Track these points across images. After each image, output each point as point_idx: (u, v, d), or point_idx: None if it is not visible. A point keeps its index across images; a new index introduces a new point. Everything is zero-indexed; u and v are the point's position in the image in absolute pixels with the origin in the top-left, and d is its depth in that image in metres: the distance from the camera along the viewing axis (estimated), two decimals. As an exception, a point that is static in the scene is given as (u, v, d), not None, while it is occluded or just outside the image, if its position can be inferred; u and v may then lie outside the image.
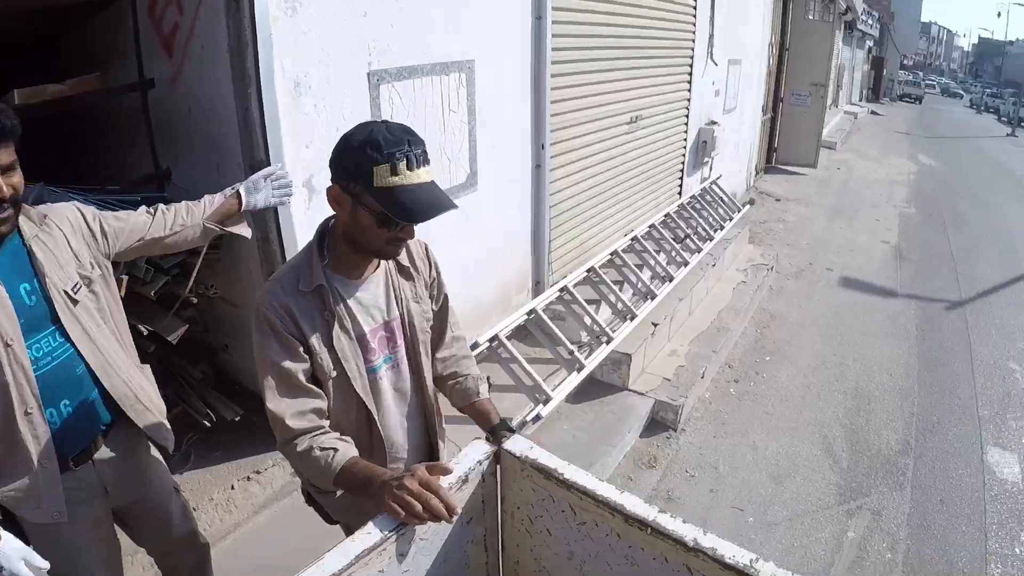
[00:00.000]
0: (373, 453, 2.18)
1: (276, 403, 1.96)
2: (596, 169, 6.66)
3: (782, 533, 4.72)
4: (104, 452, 2.42)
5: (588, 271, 5.96)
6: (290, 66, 3.60)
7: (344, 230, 2.01)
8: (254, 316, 1.99)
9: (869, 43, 42.90)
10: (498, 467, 2.09)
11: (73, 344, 2.25)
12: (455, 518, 1.80)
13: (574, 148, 6.20)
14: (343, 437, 2.03)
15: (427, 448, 2.43)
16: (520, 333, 5.45)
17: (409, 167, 1.82)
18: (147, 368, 2.63)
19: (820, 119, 15.89)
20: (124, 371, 2.41)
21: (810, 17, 15.30)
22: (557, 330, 5.28)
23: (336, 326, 2.01)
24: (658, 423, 5.62)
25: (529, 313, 5.27)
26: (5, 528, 2.01)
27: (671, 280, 6.60)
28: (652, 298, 6.20)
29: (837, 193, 14.87)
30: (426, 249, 2.33)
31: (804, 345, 7.38)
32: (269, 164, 3.42)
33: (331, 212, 1.99)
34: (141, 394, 2.46)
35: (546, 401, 4.83)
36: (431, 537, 1.90)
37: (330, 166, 1.92)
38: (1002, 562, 4.65)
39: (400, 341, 2.20)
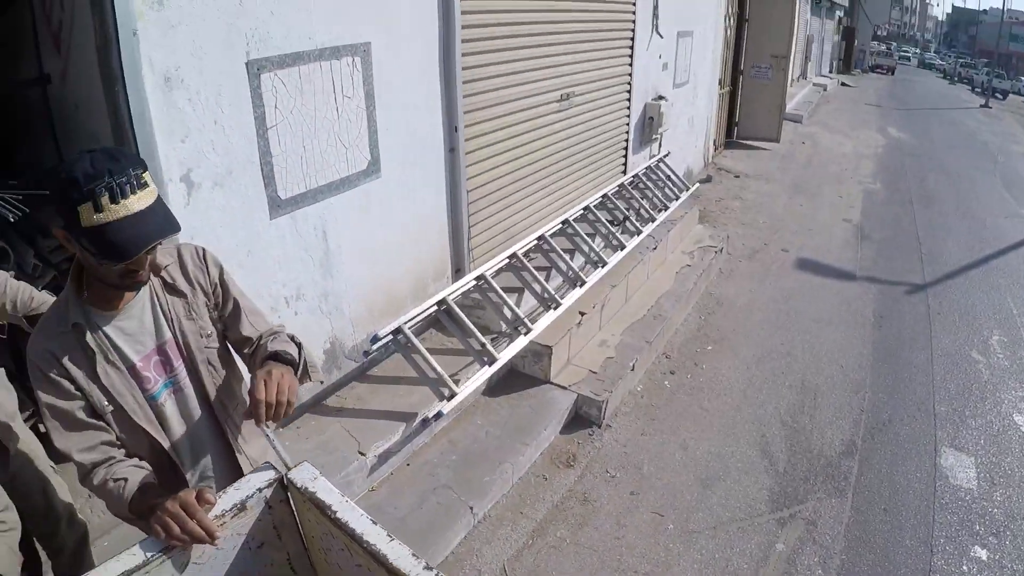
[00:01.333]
0: (173, 477, 2.18)
1: (63, 441, 1.99)
2: (522, 151, 6.39)
3: (703, 542, 4.52)
4: None
5: (510, 258, 5.74)
6: (160, 60, 3.44)
7: (84, 265, 2.00)
8: (27, 362, 2.01)
9: (839, 13, 42.58)
10: (288, 494, 2.09)
11: None
12: (219, 541, 1.85)
13: (494, 129, 5.93)
14: (140, 463, 2.07)
15: (231, 461, 2.37)
16: (441, 324, 5.32)
17: (113, 199, 1.76)
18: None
19: (782, 92, 15.57)
20: None
21: (770, -15, 14.98)
22: (468, 321, 5.08)
23: (100, 361, 2.01)
24: (582, 418, 5.42)
25: (440, 303, 5.06)
26: None
27: (604, 265, 6.36)
28: (580, 285, 5.97)
29: (800, 169, 14.66)
30: (203, 255, 2.27)
31: (750, 333, 7.16)
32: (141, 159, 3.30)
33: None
34: None
35: (451, 396, 4.63)
36: (209, 561, 1.94)
37: None
38: None
39: (178, 363, 2.18)
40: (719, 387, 6.14)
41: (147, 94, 3.39)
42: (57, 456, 2.70)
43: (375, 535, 1.80)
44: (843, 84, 36.57)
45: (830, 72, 40.58)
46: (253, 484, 2.01)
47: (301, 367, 2.24)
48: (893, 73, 52.07)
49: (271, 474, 2.05)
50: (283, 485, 2.06)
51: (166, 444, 2.15)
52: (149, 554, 1.79)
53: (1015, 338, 7.46)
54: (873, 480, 5.16)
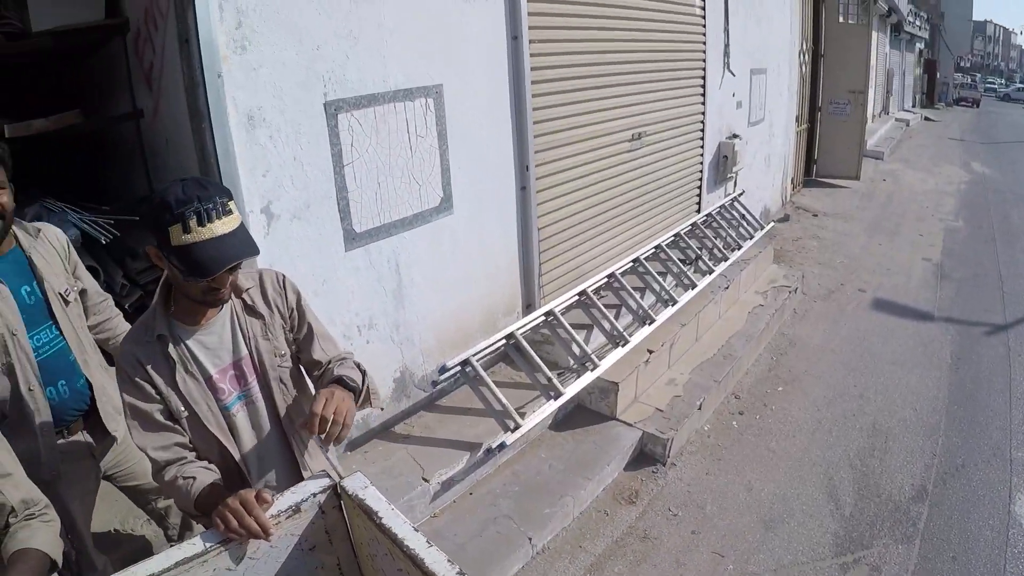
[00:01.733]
0: (239, 482, 2.32)
1: (140, 438, 2.19)
2: (593, 189, 6.44)
3: None
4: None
5: (580, 295, 5.78)
6: (243, 100, 3.66)
7: (172, 282, 2.22)
8: (115, 364, 2.25)
9: (919, 45, 41.80)
10: (341, 501, 2.21)
11: (64, 337, 2.80)
12: (273, 539, 2.00)
13: (565, 168, 6.01)
14: (209, 466, 2.25)
15: (295, 474, 2.48)
16: (509, 357, 5.40)
17: (200, 222, 1.97)
18: (112, 370, 2.89)
19: (861, 128, 15.24)
20: (95, 368, 2.92)
21: (843, 20, 14.80)
22: (535, 355, 5.13)
23: (180, 370, 2.20)
24: (646, 456, 5.37)
25: (508, 337, 5.13)
26: None
27: (674, 304, 6.36)
28: (650, 323, 5.97)
29: (880, 207, 14.35)
30: (283, 282, 2.46)
31: (823, 375, 7.00)
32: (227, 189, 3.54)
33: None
34: (105, 389, 2.93)
35: (515, 428, 4.68)
36: (263, 558, 2.07)
37: None
38: None
39: (252, 378, 2.35)
40: (788, 428, 6.01)
41: (231, 131, 3.60)
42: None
43: (415, 540, 1.90)
44: (926, 118, 35.59)
45: (913, 106, 39.63)
46: (308, 489, 2.15)
47: (364, 392, 2.38)
48: (978, 106, 50.60)
49: (326, 481, 2.18)
50: (336, 493, 2.18)
51: (235, 452, 2.32)
52: (208, 544, 1.94)
53: (1098, 384, 7.20)
54: (943, 526, 4.97)
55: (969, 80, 58.41)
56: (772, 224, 9.69)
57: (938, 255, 11.32)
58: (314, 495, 2.14)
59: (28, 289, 2.72)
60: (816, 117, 15.24)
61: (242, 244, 2.08)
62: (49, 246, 2.84)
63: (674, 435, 5.34)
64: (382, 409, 4.64)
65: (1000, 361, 7.52)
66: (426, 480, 4.40)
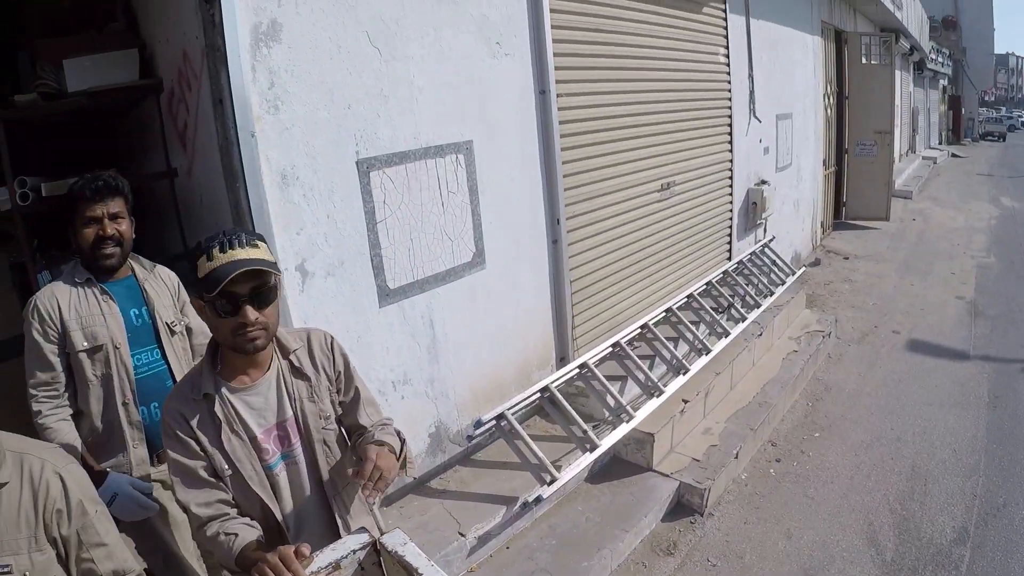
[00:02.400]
0: (279, 541, 2.27)
1: (183, 494, 2.21)
2: (624, 240, 6.46)
3: None
4: None
5: (613, 346, 5.76)
6: (276, 159, 3.73)
7: (216, 340, 2.27)
8: (161, 420, 2.31)
9: (943, 82, 41.78)
10: (380, 558, 2.20)
11: (167, 362, 3.07)
12: None
13: (596, 220, 6.04)
14: (251, 523, 2.24)
15: (334, 536, 2.41)
16: (544, 411, 5.38)
17: (222, 250, 2.06)
18: None
19: (888, 168, 15.18)
20: None
21: (865, 61, 14.81)
22: (570, 408, 5.11)
23: (226, 429, 2.22)
24: (683, 506, 5.30)
25: (543, 391, 5.11)
26: None
27: (708, 353, 6.32)
28: (684, 373, 5.93)
29: (911, 247, 14.24)
30: (331, 344, 2.47)
31: (859, 419, 6.89)
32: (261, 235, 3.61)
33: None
34: None
35: (550, 482, 4.64)
36: None
37: None
38: None
39: (296, 439, 2.35)
40: (826, 474, 5.91)
41: (265, 190, 3.67)
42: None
43: None
44: (953, 155, 35.46)
45: (939, 143, 39.56)
46: (348, 546, 2.14)
47: (402, 459, 2.38)
48: (1004, 139, 50.07)
49: (365, 537, 2.17)
50: (376, 549, 2.18)
51: (276, 511, 2.31)
52: None
53: None
54: (986, 568, 4.85)
55: (995, 114, 57.89)
56: (803, 269, 9.64)
57: (971, 292, 11.18)
58: (354, 551, 2.14)
59: (137, 312, 3.06)
60: (843, 159, 15.24)
61: (253, 260, 2.10)
62: (161, 281, 3.20)
63: (711, 484, 5.27)
64: (414, 478, 4.63)
65: None
66: (462, 535, 4.37)
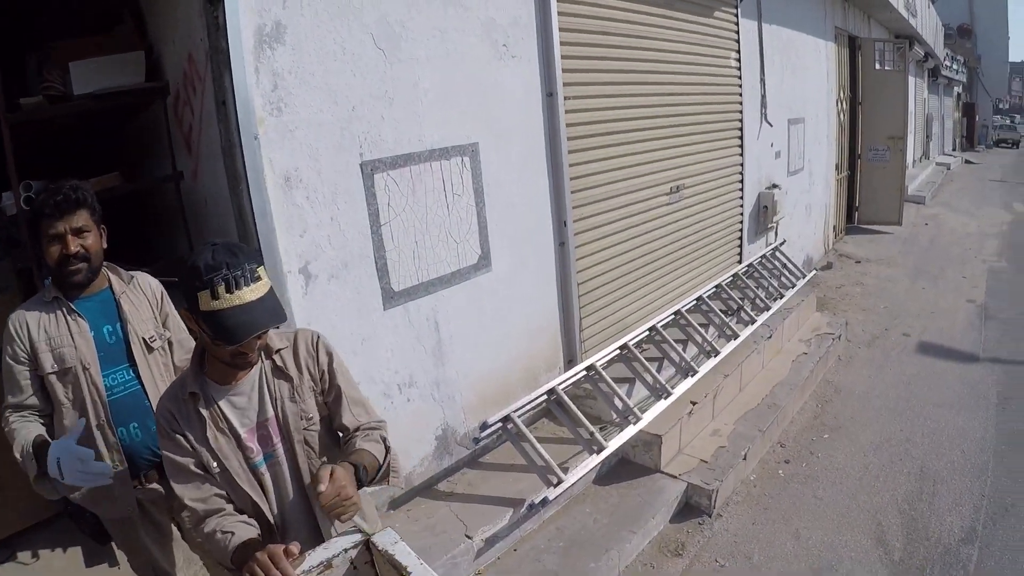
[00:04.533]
0: (270, 539, 2.29)
1: (180, 490, 2.24)
2: (632, 243, 6.43)
3: None
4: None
5: (621, 348, 5.74)
6: (280, 162, 3.72)
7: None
8: (155, 420, 2.36)
9: (957, 89, 41.66)
10: (372, 557, 2.21)
11: (141, 382, 2.94)
12: None
13: (604, 223, 6.01)
14: (248, 520, 2.28)
15: (319, 539, 2.42)
16: (551, 413, 5.37)
17: (228, 290, 2.02)
18: None
19: (901, 174, 15.12)
20: None
21: (879, 67, 14.75)
22: (577, 410, 5.09)
23: (211, 427, 2.25)
24: (692, 507, 5.28)
25: (550, 393, 5.11)
26: (86, 529, 3.15)
27: (716, 355, 6.29)
28: (692, 375, 5.91)
29: (923, 251, 14.17)
30: (316, 343, 2.45)
31: (868, 421, 6.86)
32: (260, 253, 3.62)
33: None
34: None
35: (557, 483, 4.62)
36: None
37: None
38: None
39: (277, 439, 2.36)
40: (834, 475, 5.89)
41: (268, 192, 3.66)
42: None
43: None
44: (967, 161, 35.40)
45: (953, 150, 39.47)
46: (340, 545, 2.17)
47: (383, 469, 2.37)
48: (1018, 146, 49.69)
49: (357, 536, 2.19)
50: (368, 548, 2.19)
51: (266, 508, 2.34)
52: None
53: None
54: (994, 567, 4.83)
55: (1009, 122, 57.58)
56: (814, 272, 9.61)
57: (982, 297, 11.11)
58: (345, 550, 2.15)
59: (110, 329, 2.92)
60: (856, 164, 15.18)
61: (270, 312, 2.12)
62: (140, 293, 3.05)
63: (719, 486, 5.25)
64: (402, 488, 4.61)
65: None
66: (469, 537, 4.36)
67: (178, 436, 2.24)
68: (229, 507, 2.27)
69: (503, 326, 5.21)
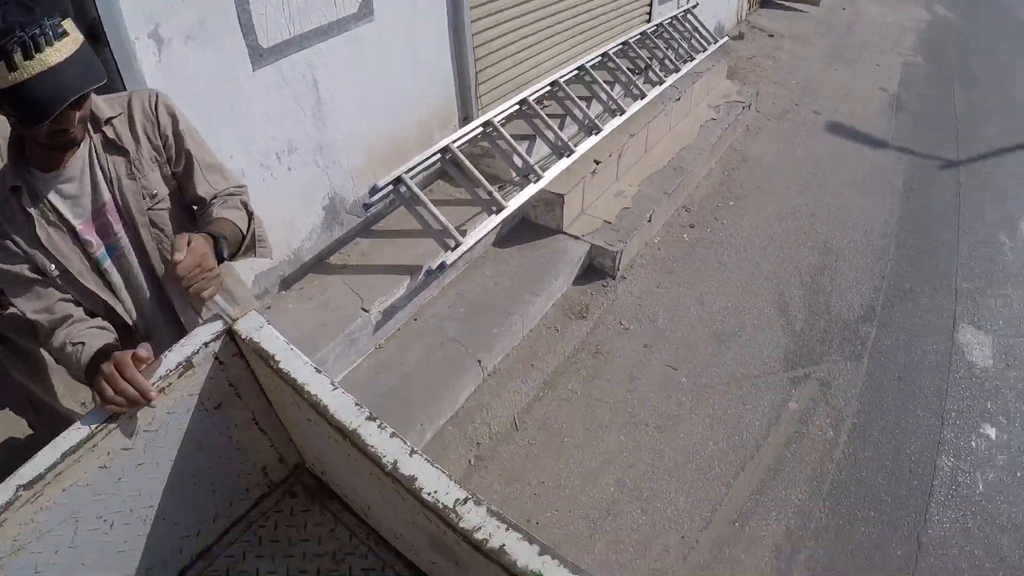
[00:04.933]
0: (130, 342, 2.08)
1: (19, 304, 1.94)
2: (533, -7, 5.89)
3: (716, 398, 4.42)
4: None
5: (521, 104, 5.38)
6: None
7: None
8: None
9: None
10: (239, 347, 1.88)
11: None
12: (160, 401, 1.70)
13: (501, -32, 5.45)
14: (103, 324, 2.01)
15: (178, 329, 2.21)
16: (448, 175, 5.10)
17: (27, 55, 1.57)
18: None
19: (824, -53, 14.77)
20: None
21: None
22: (475, 170, 4.79)
23: (41, 223, 1.90)
24: (595, 270, 5.19)
25: (444, 151, 4.76)
26: None
27: (622, 113, 5.99)
28: (596, 133, 5.62)
29: (840, 35, 13.92)
30: (155, 104, 2.04)
31: (775, 191, 6.82)
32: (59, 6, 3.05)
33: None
34: None
35: (455, 247, 4.40)
36: (162, 428, 1.78)
37: None
38: (954, 454, 4.32)
39: (118, 226, 2.03)
40: (739, 242, 5.89)
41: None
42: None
43: (318, 384, 1.61)
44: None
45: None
46: (199, 339, 1.81)
47: (248, 239, 2.07)
48: None
49: (218, 326, 1.83)
50: (233, 338, 1.85)
51: (118, 307, 2.07)
52: (94, 426, 1.63)
53: (1047, 222, 7.12)
54: (890, 347, 5.00)
55: None
56: (726, 39, 9.25)
57: (895, 87, 11.05)
58: (206, 344, 1.81)
59: None
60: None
61: (84, 72, 1.67)
62: None
63: (623, 247, 5.14)
64: (271, 259, 4.25)
65: (951, 195, 7.46)
66: (366, 310, 4.17)
67: (5, 241, 1.87)
68: (79, 312, 1.98)
69: (391, 82, 4.77)
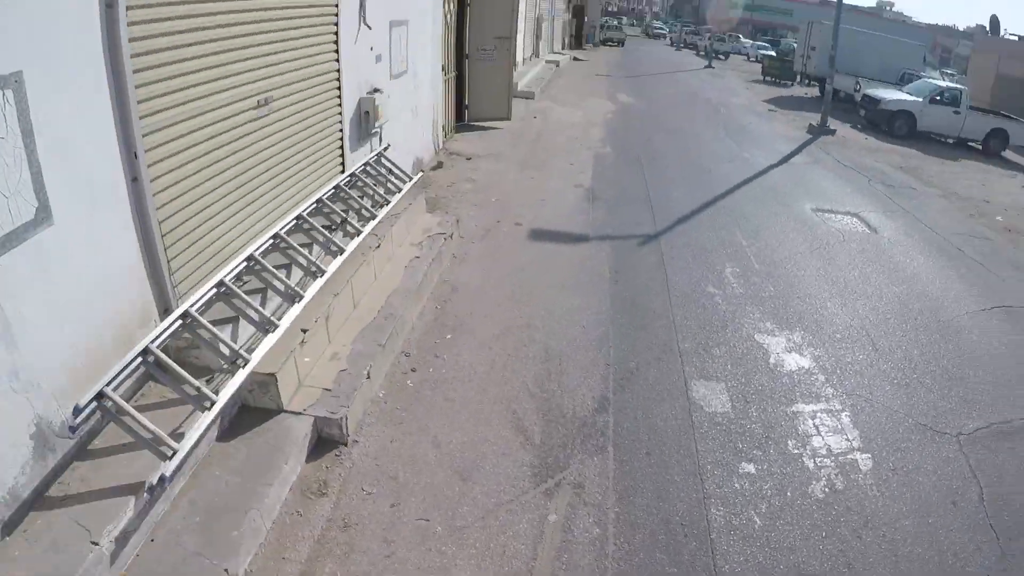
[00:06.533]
0: None
1: None
2: (218, 167, 5.85)
3: (475, 536, 4.46)
4: None
5: (218, 286, 5.33)
6: None
7: None
8: None
9: (568, -7, 44.41)
10: None
11: None
12: None
13: (182, 149, 5.37)
14: None
15: None
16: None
17: None
18: None
19: (509, 72, 16.13)
20: None
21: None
22: (176, 366, 4.66)
23: None
24: (325, 441, 5.19)
25: (144, 353, 4.59)
26: None
27: (322, 275, 6.11)
28: (298, 300, 5.68)
29: (531, 143, 14.96)
30: None
31: (489, 313, 7.14)
32: None
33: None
34: None
35: (172, 455, 4.22)
36: None
37: None
38: (722, 502, 4.64)
39: None
40: (462, 374, 6.07)
41: None
42: None
43: None
44: (575, 59, 38.34)
45: (563, 49, 42.43)
46: None
47: None
48: (623, 45, 56.32)
49: None
50: None
51: None
52: None
53: (746, 267, 8.01)
54: (631, 428, 5.29)
55: (616, 23, 63.83)
56: (422, 174, 9.71)
57: (588, 180, 12.05)
58: None
59: None
60: (464, 64, 15.68)
61: None
62: None
63: (347, 412, 5.20)
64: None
65: (655, 267, 8.21)
66: (95, 543, 3.85)
67: None
68: None
69: (81, 286, 4.53)
